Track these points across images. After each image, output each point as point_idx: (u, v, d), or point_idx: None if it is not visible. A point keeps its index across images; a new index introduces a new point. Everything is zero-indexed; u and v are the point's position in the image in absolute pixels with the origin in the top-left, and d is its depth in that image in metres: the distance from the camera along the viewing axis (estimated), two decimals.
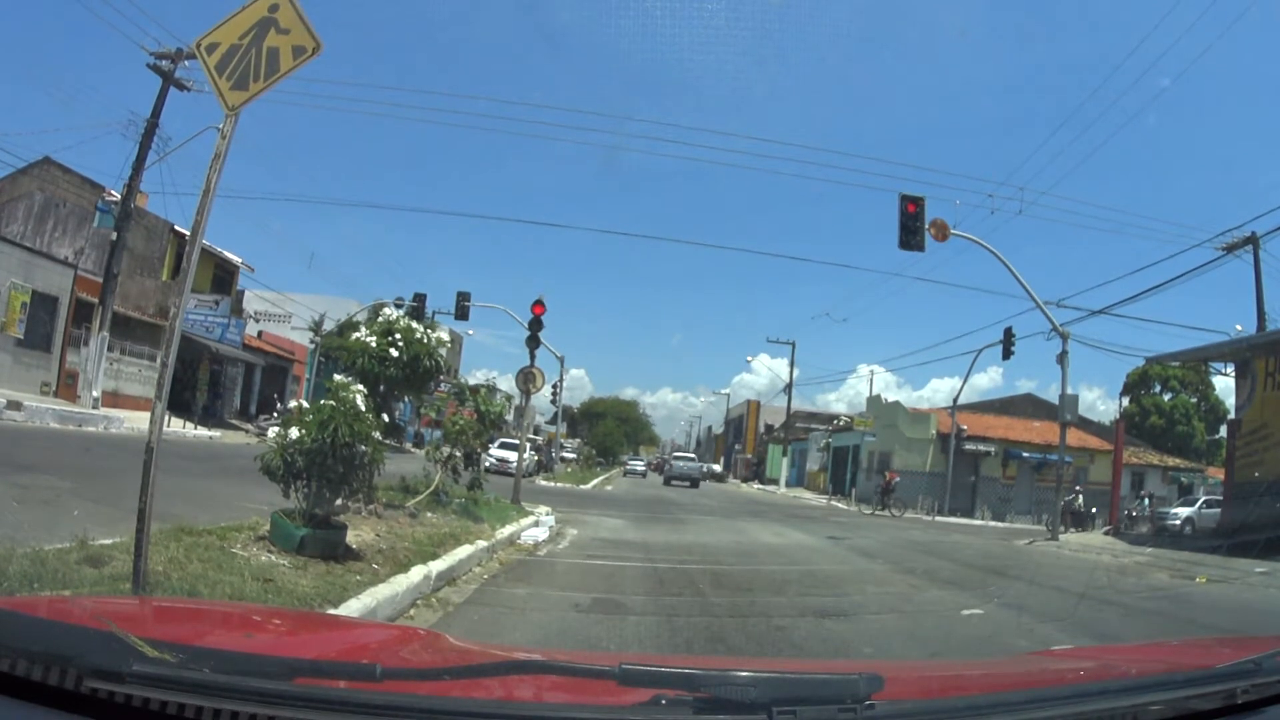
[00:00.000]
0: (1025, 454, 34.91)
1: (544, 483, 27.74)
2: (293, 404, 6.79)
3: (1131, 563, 14.13)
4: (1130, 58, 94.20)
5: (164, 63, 21.09)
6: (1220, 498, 25.79)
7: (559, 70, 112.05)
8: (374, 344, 9.11)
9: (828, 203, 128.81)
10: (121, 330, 24.71)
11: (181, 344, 5.86)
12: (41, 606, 2.00)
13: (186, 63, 20.75)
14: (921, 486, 33.62)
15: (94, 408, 20.61)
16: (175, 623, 2.02)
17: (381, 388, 9.17)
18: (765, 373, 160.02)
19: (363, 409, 6.06)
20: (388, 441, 8.03)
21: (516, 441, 20.46)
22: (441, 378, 12.38)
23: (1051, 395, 30.30)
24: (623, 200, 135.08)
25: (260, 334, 36.34)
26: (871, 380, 53.76)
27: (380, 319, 9.78)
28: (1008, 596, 8.77)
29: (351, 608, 4.52)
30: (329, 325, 36.44)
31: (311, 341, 36.70)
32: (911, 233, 17.47)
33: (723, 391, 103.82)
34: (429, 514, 9.18)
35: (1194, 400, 49.35)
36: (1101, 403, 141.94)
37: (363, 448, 5.97)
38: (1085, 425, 36.39)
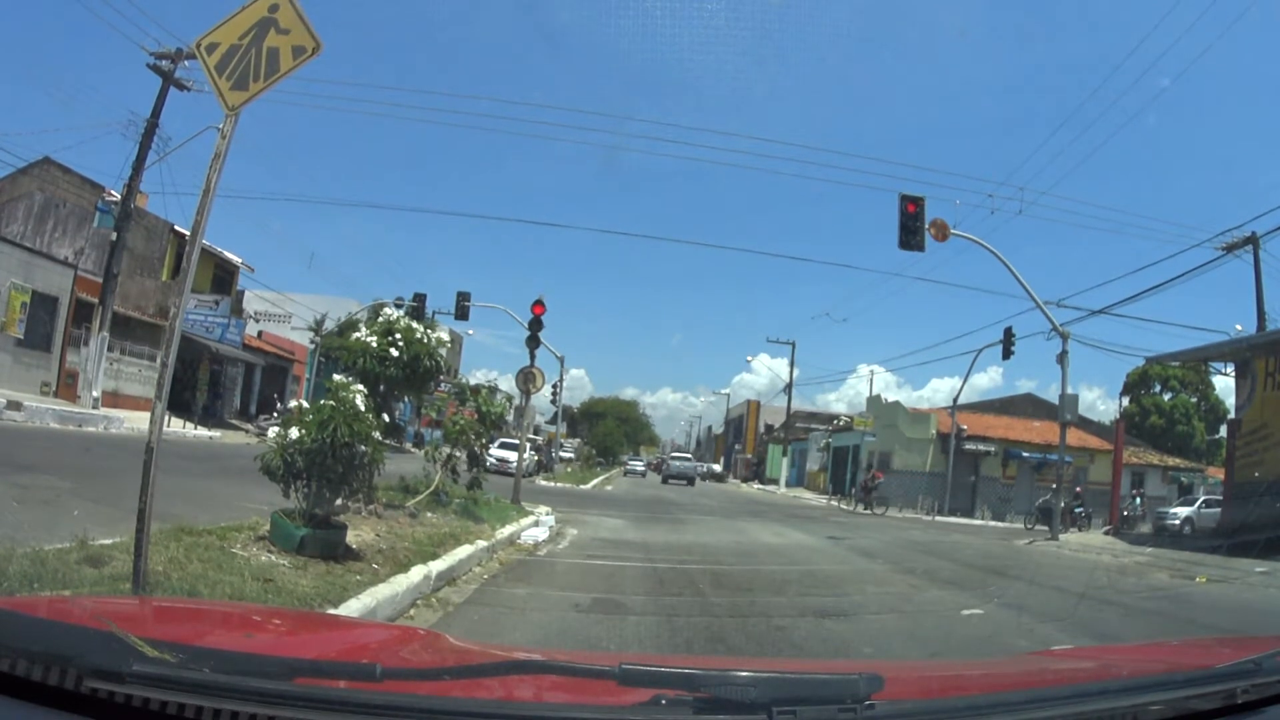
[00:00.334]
0: (1025, 454, 34.91)
1: (544, 483, 27.74)
2: (293, 404, 6.79)
3: (1131, 563, 14.13)
4: (1130, 58, 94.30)
5: (164, 63, 21.10)
6: (1220, 497, 25.81)
7: (559, 70, 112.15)
8: (374, 344, 9.11)
9: (828, 203, 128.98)
10: (121, 330, 24.71)
11: (181, 344, 5.86)
12: (41, 606, 2.00)
13: (186, 63, 20.75)
14: (921, 486, 33.64)
15: (94, 408, 20.61)
16: (175, 623, 2.02)
17: (381, 388, 9.17)
18: (765, 373, 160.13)
19: (363, 409, 6.06)
20: (388, 441, 8.03)
21: (516, 441, 20.46)
22: (441, 378, 12.40)
23: (1051, 395, 30.34)
24: (623, 200, 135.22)
25: (260, 334, 36.34)
26: (871, 380, 53.86)
27: (380, 319, 9.78)
28: (1008, 596, 8.77)
29: (351, 608, 4.52)
30: (329, 325, 36.45)
31: (311, 341, 36.70)
32: (911, 233, 17.47)
33: (723, 391, 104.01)
34: (429, 514, 9.18)
35: (1194, 400, 49.35)
36: (1101, 402, 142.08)
37: (363, 448, 5.97)
38: (1085, 425, 36.40)
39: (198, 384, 28.83)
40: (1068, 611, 7.75)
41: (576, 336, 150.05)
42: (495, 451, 24.71)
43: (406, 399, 13.72)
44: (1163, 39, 76.00)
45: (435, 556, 6.59)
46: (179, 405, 24.05)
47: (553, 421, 45.55)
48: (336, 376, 7.12)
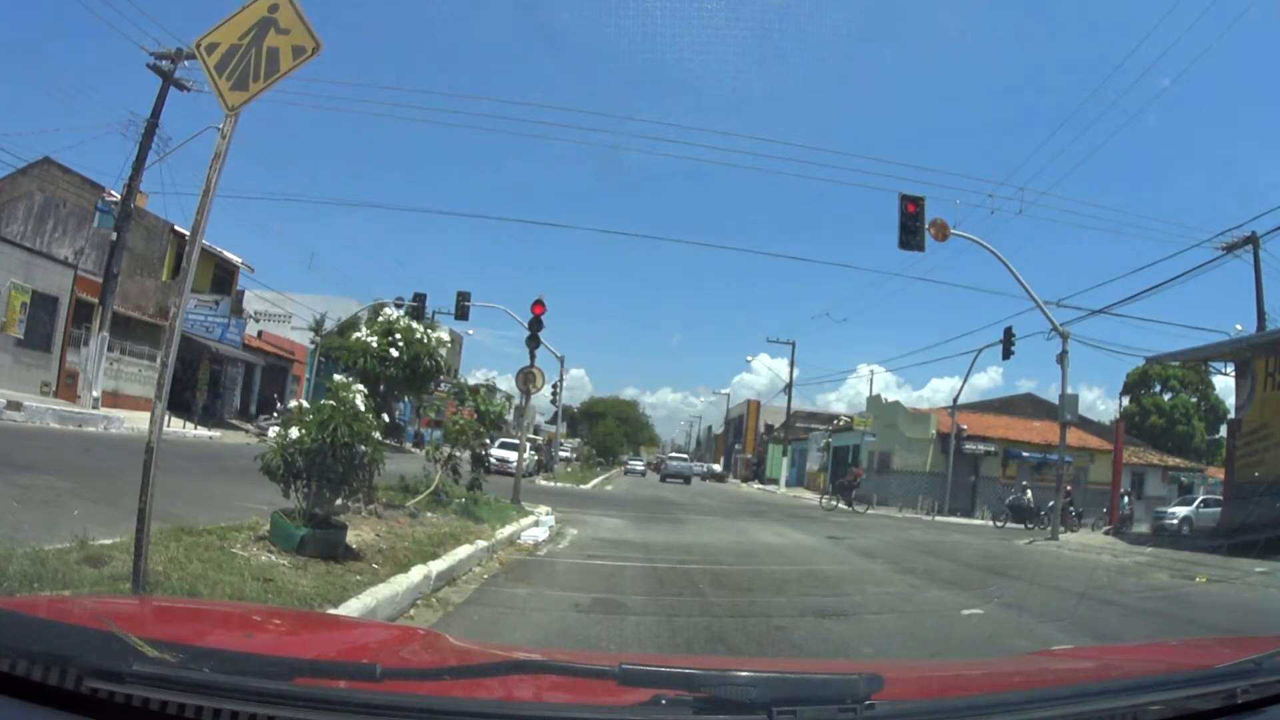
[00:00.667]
0: (1025, 454, 34.90)
1: (544, 482, 27.74)
2: (293, 404, 6.79)
3: (1131, 563, 14.13)
4: (1130, 58, 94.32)
5: (164, 63, 21.09)
6: (1218, 497, 25.83)
7: (559, 70, 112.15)
8: (374, 344, 9.11)
9: (828, 203, 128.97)
10: (121, 330, 24.71)
11: (181, 344, 5.86)
12: (41, 606, 2.00)
13: (186, 63, 20.74)
14: (921, 486, 33.65)
15: (94, 408, 20.61)
16: (175, 623, 2.02)
17: (381, 388, 9.16)
18: (765, 373, 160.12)
19: (363, 409, 6.06)
20: (388, 441, 8.03)
21: (516, 441, 20.46)
22: (441, 378, 12.39)
23: (1051, 395, 30.35)
24: (623, 200, 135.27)
25: (260, 334, 36.33)
26: (871, 380, 53.91)
27: (380, 319, 9.78)
28: (1008, 596, 8.77)
29: (351, 608, 4.52)
30: (329, 325, 36.47)
31: (311, 341, 36.70)
32: (911, 232, 17.47)
33: (723, 391, 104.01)
34: (429, 514, 9.18)
35: (1194, 400, 49.34)
36: (1101, 402, 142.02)
37: (363, 448, 5.97)
38: (1085, 425, 36.39)
39: (198, 384, 28.83)
40: (1068, 611, 7.75)
41: (576, 336, 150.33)
42: (495, 451, 24.65)
43: (406, 399, 13.73)
44: (1163, 39, 76.07)
45: (435, 556, 6.59)
46: (179, 405, 24.06)
47: (553, 421, 45.55)
48: (337, 376, 7.12)
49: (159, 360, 13.08)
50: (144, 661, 1.17)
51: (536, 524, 11.29)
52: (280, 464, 5.73)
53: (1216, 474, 33.51)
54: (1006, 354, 25.26)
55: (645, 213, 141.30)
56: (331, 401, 5.97)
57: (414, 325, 9.69)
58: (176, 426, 20.80)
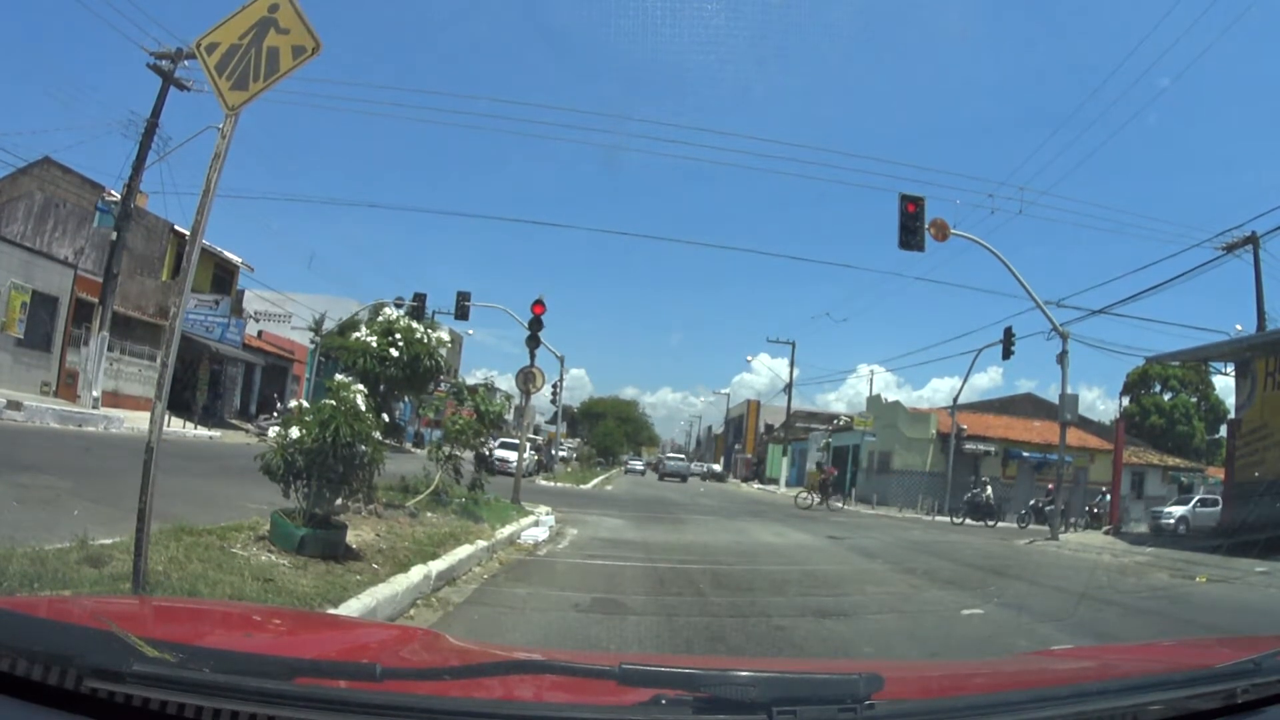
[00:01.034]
0: (1025, 454, 34.91)
1: (544, 482, 27.74)
2: (293, 404, 6.79)
3: (1131, 562, 14.14)
4: (1130, 58, 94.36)
5: (164, 63, 21.09)
6: (1215, 496, 25.84)
7: (559, 70, 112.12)
8: (374, 344, 9.11)
9: (828, 203, 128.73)
10: (121, 330, 24.70)
11: (181, 344, 5.86)
12: (41, 606, 2.00)
13: (186, 62, 20.74)
14: (921, 486, 33.65)
15: (94, 407, 20.60)
16: (175, 622, 2.02)
17: (381, 387, 9.16)
18: (765, 372, 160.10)
19: (363, 409, 6.06)
20: (388, 441, 8.03)
21: (516, 441, 20.46)
22: (441, 377, 12.38)
23: (1051, 395, 30.32)
24: (623, 200, 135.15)
25: (260, 334, 36.31)
26: (871, 380, 53.79)
27: (380, 319, 9.78)
28: (1008, 596, 8.78)
29: (351, 607, 4.52)
30: (329, 325, 36.40)
31: (311, 341, 36.67)
32: (911, 232, 17.47)
33: (723, 391, 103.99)
34: (429, 514, 9.18)
35: (1194, 400, 49.33)
36: (1101, 402, 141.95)
37: (363, 447, 5.98)
38: (1085, 425, 36.40)
39: (198, 384, 28.82)
40: (1068, 611, 7.76)
41: (576, 336, 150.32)
42: (495, 451, 24.72)
43: (406, 399, 13.72)
44: (1163, 39, 76.08)
45: (435, 556, 6.59)
46: (179, 405, 24.05)
47: (553, 421, 45.56)
48: (337, 376, 7.13)
49: (159, 360, 13.08)
50: (144, 661, 1.17)
51: (536, 524, 11.29)
52: (280, 464, 5.73)
53: (1216, 474, 33.51)
54: (1006, 354, 25.27)
55: (645, 213, 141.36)
56: (332, 401, 5.97)
57: (414, 325, 9.69)
58: (176, 426, 20.80)
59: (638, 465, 64.66)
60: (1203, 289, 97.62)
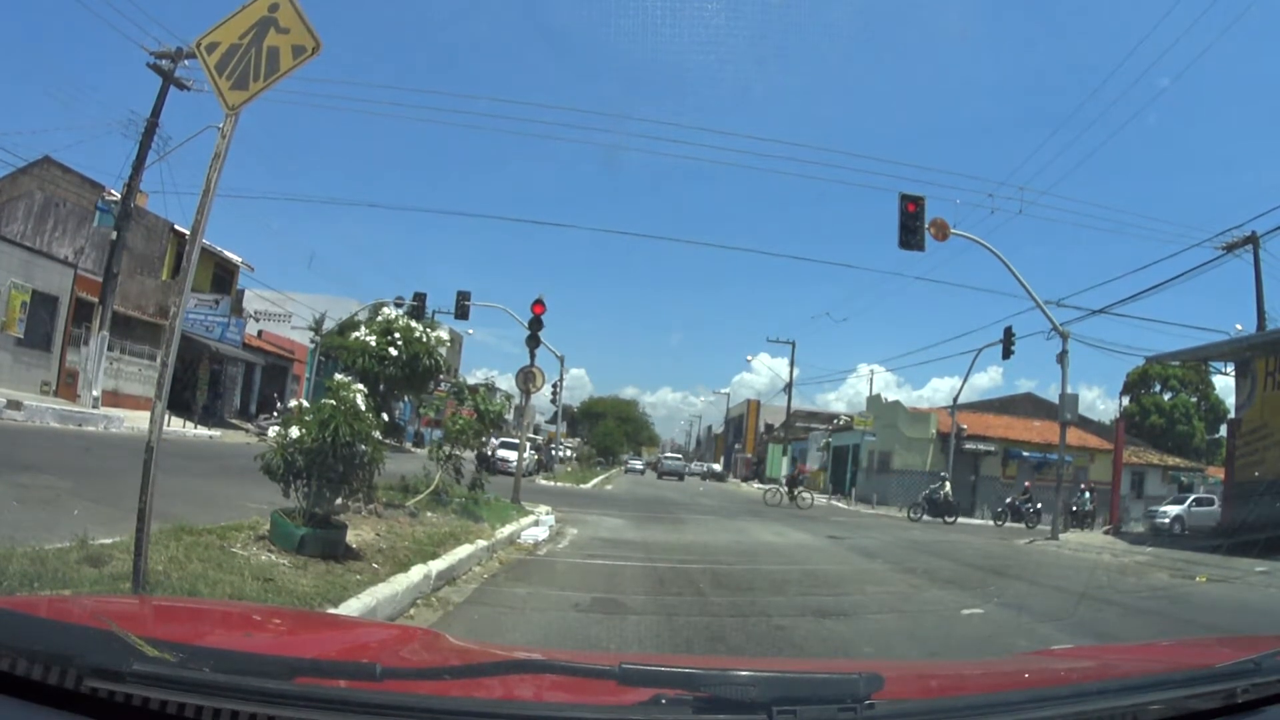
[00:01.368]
0: (1025, 453, 34.90)
1: (544, 482, 27.73)
2: (293, 403, 6.79)
3: (1131, 562, 14.14)
4: (1130, 58, 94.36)
5: (164, 62, 21.08)
6: (1211, 496, 25.85)
7: (559, 70, 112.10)
8: (374, 343, 9.11)
9: (828, 203, 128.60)
10: (121, 330, 24.70)
11: (181, 343, 5.86)
12: (41, 606, 2.00)
13: (186, 62, 20.73)
14: (921, 486, 33.60)
15: (94, 407, 20.60)
16: (175, 622, 2.02)
17: (381, 387, 9.17)
18: (765, 372, 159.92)
19: (363, 408, 6.06)
20: (388, 441, 8.03)
21: (516, 441, 20.46)
22: (441, 377, 12.39)
23: (1052, 395, 30.31)
24: (623, 200, 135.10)
25: (260, 333, 36.31)
26: (871, 380, 53.74)
27: (380, 318, 9.79)
28: (1007, 596, 8.78)
29: (351, 607, 4.52)
30: (329, 325, 36.39)
31: (311, 341, 36.67)
32: (911, 232, 17.47)
33: (723, 391, 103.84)
34: (429, 513, 9.18)
35: (1194, 400, 49.33)
36: (1101, 402, 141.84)
37: (363, 447, 5.98)
38: (1085, 424, 36.39)
39: (198, 383, 28.81)
40: (1068, 611, 7.76)
41: (576, 336, 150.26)
42: (495, 451, 24.75)
43: (406, 398, 13.73)
44: (1163, 39, 76.06)
45: (435, 556, 6.59)
46: (179, 405, 24.04)
47: (553, 421, 45.56)
48: (337, 376, 7.13)
49: (159, 360, 13.08)
50: (144, 661, 1.17)
51: (536, 523, 11.29)
52: (280, 463, 5.73)
53: (1216, 474, 33.51)
54: (1006, 354, 25.26)
55: (645, 213, 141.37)
56: (332, 401, 5.97)
57: (413, 324, 9.70)
58: (176, 426, 20.79)
59: (638, 465, 65.42)
60: (1203, 289, 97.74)
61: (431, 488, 10.37)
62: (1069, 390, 20.01)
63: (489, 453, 11.29)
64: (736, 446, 76.02)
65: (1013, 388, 74.55)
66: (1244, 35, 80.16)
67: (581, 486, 28.44)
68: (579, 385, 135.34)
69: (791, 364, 54.79)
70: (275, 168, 72.41)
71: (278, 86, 4.11)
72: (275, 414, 22.26)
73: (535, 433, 46.95)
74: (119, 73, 74.67)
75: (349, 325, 17.32)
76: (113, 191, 22.98)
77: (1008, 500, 27.56)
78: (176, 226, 27.41)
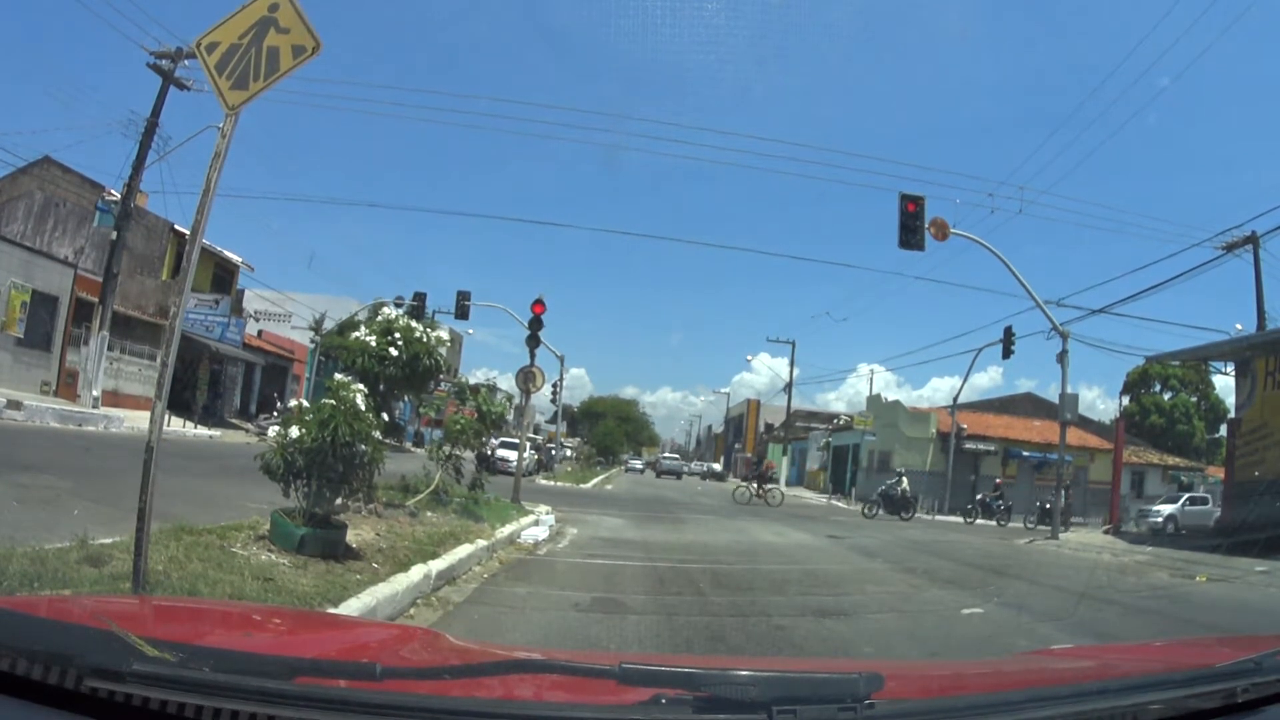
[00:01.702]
0: (1025, 453, 34.92)
1: (544, 482, 27.74)
2: (293, 403, 6.80)
3: (1131, 562, 14.14)
4: (1130, 58, 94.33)
5: (164, 62, 21.08)
6: (1205, 495, 25.81)
7: (559, 70, 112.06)
8: (373, 343, 9.11)
9: (828, 203, 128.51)
10: (121, 330, 24.70)
11: (181, 343, 5.86)
12: (41, 606, 2.00)
13: (186, 62, 20.73)
14: (921, 486, 33.60)
15: (94, 407, 20.60)
16: (175, 622, 2.02)
17: (381, 387, 9.17)
18: (765, 372, 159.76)
19: (363, 408, 6.06)
20: (388, 441, 8.03)
21: (516, 441, 20.46)
22: (441, 377, 12.39)
23: (1051, 394, 30.31)
24: (623, 200, 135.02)
25: (260, 333, 36.31)
26: (871, 379, 53.68)
27: (380, 318, 9.79)
28: (1007, 596, 8.78)
29: (351, 607, 4.52)
30: (329, 324, 36.41)
31: (311, 341, 36.68)
32: (911, 232, 17.47)
33: (723, 391, 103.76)
34: (429, 513, 9.18)
35: (1194, 399, 49.33)
36: (1101, 402, 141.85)
37: (363, 447, 5.98)
38: (1085, 424, 36.40)
39: (198, 383, 28.81)
40: (1068, 611, 7.76)
41: (576, 336, 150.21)
42: (495, 450, 24.73)
43: (406, 398, 13.73)
44: (1162, 39, 76.06)
45: (435, 556, 6.59)
46: (179, 404, 24.04)
47: (553, 421, 45.56)
48: (336, 375, 7.13)
49: (159, 359, 13.08)
50: (144, 661, 1.17)
51: (536, 523, 11.29)
52: (280, 463, 5.73)
53: (1216, 473, 33.51)
54: (1006, 353, 25.26)
55: (645, 212, 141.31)
56: (331, 401, 5.97)
57: (413, 324, 9.70)
58: (176, 426, 20.79)
59: (637, 464, 66.21)
60: (1203, 289, 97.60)
61: (431, 488, 10.37)
62: (1069, 390, 20.04)
63: (489, 453, 11.26)
64: (736, 446, 76.03)
65: (1013, 387, 74.57)
66: (1244, 35, 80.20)
67: (581, 486, 28.43)
68: (579, 385, 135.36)
69: (791, 364, 54.83)
70: (275, 168, 72.43)
71: (278, 86, 4.11)
72: (275, 414, 22.27)
73: (535, 432, 46.93)
74: (119, 73, 74.75)
75: (349, 325, 17.33)
76: (113, 191, 22.98)
77: (978, 497, 27.57)
78: (176, 226, 27.41)
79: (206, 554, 4.99)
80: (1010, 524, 25.72)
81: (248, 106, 4.10)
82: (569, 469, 40.86)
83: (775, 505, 25.34)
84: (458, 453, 10.93)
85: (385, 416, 7.43)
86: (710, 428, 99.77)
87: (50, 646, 1.21)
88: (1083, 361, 70.87)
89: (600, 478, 38.51)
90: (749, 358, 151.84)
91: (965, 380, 41.96)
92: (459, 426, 11.13)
